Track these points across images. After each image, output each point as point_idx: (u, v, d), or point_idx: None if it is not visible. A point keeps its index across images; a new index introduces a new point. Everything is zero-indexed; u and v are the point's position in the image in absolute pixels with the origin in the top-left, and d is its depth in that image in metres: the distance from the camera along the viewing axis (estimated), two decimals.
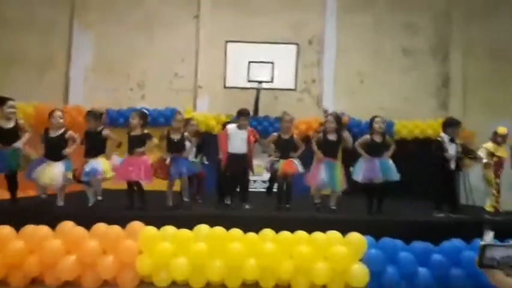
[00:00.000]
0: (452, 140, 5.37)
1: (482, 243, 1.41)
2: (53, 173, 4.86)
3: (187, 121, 6.09)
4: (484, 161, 5.62)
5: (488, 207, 5.63)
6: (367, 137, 5.50)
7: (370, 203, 5.34)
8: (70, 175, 4.92)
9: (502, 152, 5.66)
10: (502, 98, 9.78)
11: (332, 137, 5.44)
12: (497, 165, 5.65)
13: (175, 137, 5.33)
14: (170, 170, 5.17)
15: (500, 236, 3.71)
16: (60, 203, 5.05)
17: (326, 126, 5.49)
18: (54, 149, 4.96)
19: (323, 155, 5.39)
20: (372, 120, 5.54)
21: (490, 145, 5.68)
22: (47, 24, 9.67)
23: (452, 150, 5.33)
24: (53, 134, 5.05)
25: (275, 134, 5.71)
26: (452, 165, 5.30)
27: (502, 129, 5.71)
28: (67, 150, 4.98)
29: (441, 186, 5.38)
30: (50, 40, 9.65)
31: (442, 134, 5.48)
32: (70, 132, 5.09)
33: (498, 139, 5.68)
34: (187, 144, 5.43)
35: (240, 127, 5.55)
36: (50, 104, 8.47)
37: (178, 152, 5.29)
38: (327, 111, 5.83)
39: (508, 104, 9.77)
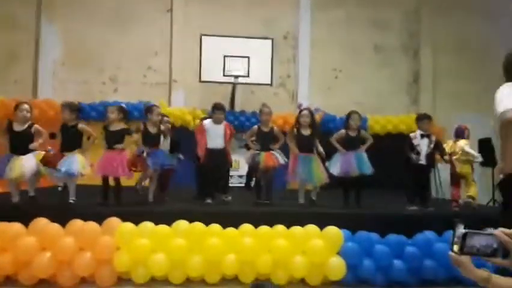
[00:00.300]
0: (424, 136, 5.51)
1: (463, 230, 1.47)
2: (23, 165, 4.61)
3: (162, 117, 6.01)
4: (479, 160, 5.87)
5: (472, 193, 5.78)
6: (342, 131, 5.60)
7: (346, 196, 5.46)
8: (39, 157, 4.72)
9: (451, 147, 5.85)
10: (471, 92, 10.10)
11: (307, 131, 5.46)
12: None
13: (152, 130, 5.26)
14: (148, 163, 5.10)
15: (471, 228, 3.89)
16: (31, 193, 4.85)
17: (300, 121, 5.50)
18: (20, 144, 4.71)
19: (298, 150, 5.43)
20: (348, 115, 5.63)
21: (463, 142, 5.85)
22: (12, 18, 9.31)
23: (423, 145, 5.46)
24: (18, 128, 4.79)
25: (255, 126, 5.69)
26: (423, 160, 5.43)
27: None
28: (34, 145, 4.75)
29: (412, 180, 5.53)
30: (16, 34, 9.30)
31: (417, 131, 5.62)
32: (36, 126, 4.86)
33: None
34: (162, 138, 5.39)
35: (215, 121, 5.51)
36: (17, 99, 8.23)
37: (155, 145, 5.24)
38: (301, 105, 5.86)
39: (477, 97, 10.13)
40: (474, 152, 5.85)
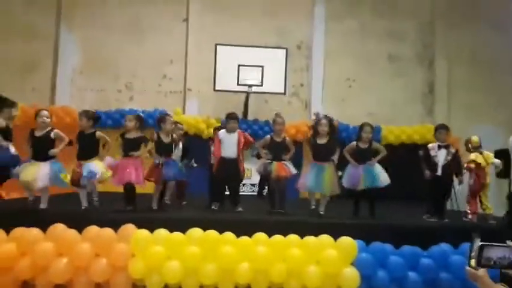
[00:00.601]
0: (441, 146, 5.46)
1: (480, 243, 1.48)
2: (37, 172, 4.70)
3: (175, 124, 6.10)
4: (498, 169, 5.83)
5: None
6: (354, 143, 5.58)
7: (356, 208, 5.49)
8: (66, 178, 4.83)
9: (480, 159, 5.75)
10: (484, 103, 10.06)
11: (323, 140, 5.41)
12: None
13: (165, 139, 5.32)
14: (163, 173, 5.16)
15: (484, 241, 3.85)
16: (43, 205, 4.86)
17: (318, 129, 5.45)
18: (41, 149, 4.82)
19: (312, 158, 5.42)
20: (360, 127, 5.61)
21: (473, 155, 5.78)
22: (32, 26, 9.55)
23: (441, 156, 5.40)
24: (39, 133, 4.92)
25: (268, 136, 5.70)
26: (439, 171, 5.38)
27: (474, 138, 5.87)
28: (53, 151, 4.84)
29: (429, 191, 5.49)
30: (35, 42, 9.55)
31: (436, 142, 5.57)
32: (56, 131, 4.97)
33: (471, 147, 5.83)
34: (173, 146, 5.46)
35: (228, 130, 5.55)
36: (36, 106, 8.40)
37: (168, 154, 5.30)
38: (318, 114, 5.86)
39: (491, 108, 10.07)
40: (499, 162, 5.76)
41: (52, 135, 4.93)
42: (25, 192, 5.03)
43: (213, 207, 5.49)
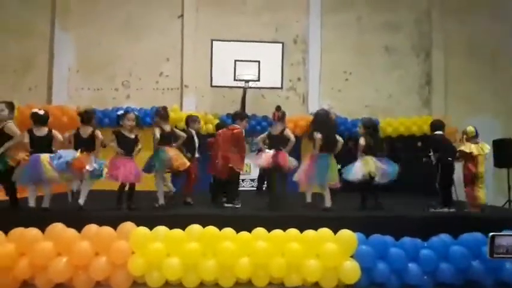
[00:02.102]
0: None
1: (491, 234, 1.48)
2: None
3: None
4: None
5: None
6: (362, 138, 5.65)
7: (364, 202, 5.54)
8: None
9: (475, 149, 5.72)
10: (482, 94, 10.06)
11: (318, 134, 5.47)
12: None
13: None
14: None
15: (484, 231, 3.84)
16: (45, 204, 4.89)
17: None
18: (40, 148, 4.88)
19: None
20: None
21: (465, 145, 5.77)
22: (27, 25, 9.46)
23: None
24: (39, 133, 4.97)
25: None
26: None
27: (470, 129, 5.86)
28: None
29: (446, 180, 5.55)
30: (31, 42, 9.46)
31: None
32: (54, 132, 5.03)
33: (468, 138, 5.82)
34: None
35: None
36: (32, 105, 8.36)
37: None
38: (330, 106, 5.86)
39: (487, 99, 10.07)
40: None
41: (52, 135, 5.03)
42: (24, 193, 5.02)
43: (222, 201, 5.57)
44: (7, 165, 4.84)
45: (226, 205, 5.49)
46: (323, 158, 5.35)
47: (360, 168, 5.40)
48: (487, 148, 5.73)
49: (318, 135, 5.34)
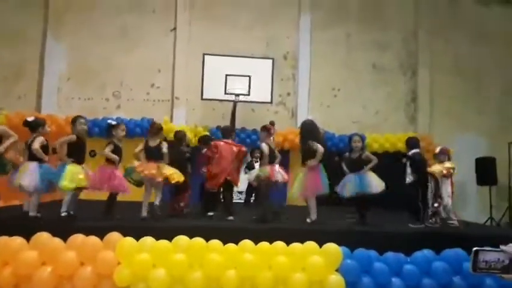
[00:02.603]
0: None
1: (475, 248, 1.54)
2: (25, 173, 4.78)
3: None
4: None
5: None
6: (346, 154, 5.83)
7: (361, 214, 5.62)
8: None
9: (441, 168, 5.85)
10: (466, 112, 10.35)
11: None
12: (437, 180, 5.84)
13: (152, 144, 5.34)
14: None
15: (466, 247, 3.93)
16: (32, 213, 4.88)
17: None
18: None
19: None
20: (350, 139, 5.87)
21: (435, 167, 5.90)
22: (18, 33, 9.49)
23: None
24: None
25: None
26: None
27: (437, 149, 6.07)
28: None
29: (419, 197, 5.64)
30: (22, 49, 9.49)
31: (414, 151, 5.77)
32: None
33: (438, 157, 5.98)
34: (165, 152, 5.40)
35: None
36: (22, 113, 8.33)
37: (154, 159, 5.29)
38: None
39: (472, 117, 10.32)
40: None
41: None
42: (11, 199, 5.02)
43: (209, 213, 5.61)
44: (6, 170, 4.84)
45: (209, 214, 5.56)
46: (322, 168, 5.47)
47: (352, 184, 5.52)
48: (448, 167, 5.81)
49: (319, 146, 5.40)
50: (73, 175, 4.87)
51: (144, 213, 5.19)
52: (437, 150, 6.03)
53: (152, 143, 5.34)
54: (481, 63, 10.54)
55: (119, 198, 5.31)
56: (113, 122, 5.43)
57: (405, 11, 10.72)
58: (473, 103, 10.41)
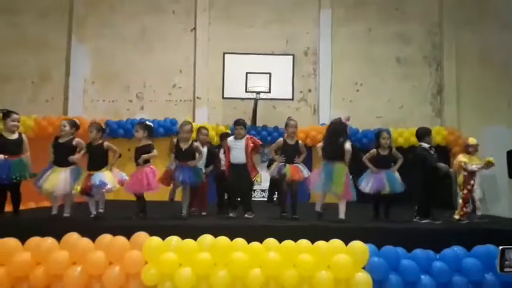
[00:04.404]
0: (431, 148, 5.55)
1: (501, 247, 1.49)
2: (57, 179, 4.94)
3: (199, 129, 6.19)
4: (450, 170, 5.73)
5: (456, 215, 5.56)
6: (374, 150, 5.68)
7: (376, 212, 5.60)
8: (77, 188, 4.94)
9: (475, 161, 5.70)
10: (494, 104, 10.01)
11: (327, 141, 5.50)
12: (469, 175, 5.59)
13: (183, 146, 5.36)
14: (175, 177, 5.23)
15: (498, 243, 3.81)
16: (66, 213, 5.09)
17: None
18: (62, 155, 5.07)
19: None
20: (378, 135, 5.71)
21: (461, 157, 5.75)
22: (44, 38, 9.76)
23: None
24: (62, 140, 5.21)
25: (281, 139, 5.72)
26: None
27: (471, 140, 5.87)
28: (72, 158, 5.08)
29: (430, 191, 5.50)
30: (47, 54, 9.75)
31: (423, 144, 5.59)
32: (77, 139, 5.22)
33: (469, 149, 5.81)
34: (197, 154, 5.42)
35: (236, 137, 5.60)
36: (49, 117, 8.59)
37: (185, 160, 5.32)
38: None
39: (500, 109, 10.00)
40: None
41: (74, 142, 5.18)
42: (46, 201, 5.19)
43: (231, 214, 5.48)
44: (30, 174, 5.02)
45: (231, 215, 5.48)
46: (327, 166, 5.33)
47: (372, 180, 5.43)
48: (478, 160, 5.64)
49: (318, 145, 5.44)
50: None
51: (184, 213, 5.29)
52: (472, 142, 5.85)
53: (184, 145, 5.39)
54: (509, 53, 10.18)
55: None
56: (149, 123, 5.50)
57: (428, 2, 10.45)
58: (502, 94, 10.07)
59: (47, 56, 9.74)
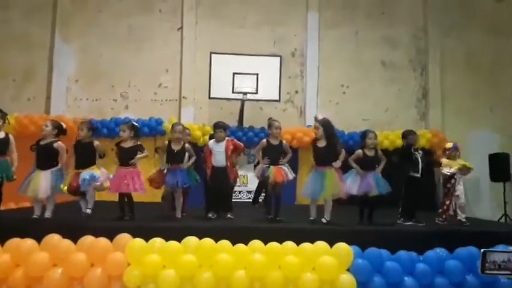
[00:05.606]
0: (416, 150, 5.65)
1: (482, 250, 1.50)
2: (39, 182, 4.81)
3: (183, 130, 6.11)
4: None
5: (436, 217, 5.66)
6: (360, 151, 5.58)
7: (362, 214, 5.54)
8: (64, 188, 4.84)
9: (455, 165, 5.69)
10: (478, 108, 10.18)
11: (321, 143, 5.35)
12: (448, 178, 5.68)
13: (175, 147, 5.31)
14: (167, 180, 5.16)
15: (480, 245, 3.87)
16: (48, 214, 4.96)
17: (315, 133, 5.44)
18: (43, 158, 4.95)
19: (314, 164, 5.37)
20: (364, 135, 5.62)
21: (443, 160, 5.82)
22: (27, 36, 9.57)
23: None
24: (43, 142, 5.06)
25: (264, 140, 5.66)
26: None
27: (448, 144, 5.94)
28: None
29: (411, 193, 5.56)
30: (31, 52, 9.56)
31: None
32: (58, 143, 5.06)
33: (446, 152, 5.85)
34: (189, 155, 5.38)
35: (217, 140, 5.59)
36: (31, 116, 8.42)
37: (177, 162, 5.26)
38: (316, 117, 5.79)
39: (484, 114, 10.17)
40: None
41: (55, 145, 5.02)
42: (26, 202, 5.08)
43: (209, 215, 5.49)
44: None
45: (210, 216, 5.48)
46: (319, 173, 5.27)
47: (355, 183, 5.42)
48: (459, 163, 5.70)
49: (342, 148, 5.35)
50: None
51: (179, 215, 5.28)
52: (448, 145, 5.91)
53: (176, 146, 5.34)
54: (493, 58, 10.38)
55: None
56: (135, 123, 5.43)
57: (414, 7, 10.58)
58: (486, 99, 10.25)
59: (30, 53, 9.56)
